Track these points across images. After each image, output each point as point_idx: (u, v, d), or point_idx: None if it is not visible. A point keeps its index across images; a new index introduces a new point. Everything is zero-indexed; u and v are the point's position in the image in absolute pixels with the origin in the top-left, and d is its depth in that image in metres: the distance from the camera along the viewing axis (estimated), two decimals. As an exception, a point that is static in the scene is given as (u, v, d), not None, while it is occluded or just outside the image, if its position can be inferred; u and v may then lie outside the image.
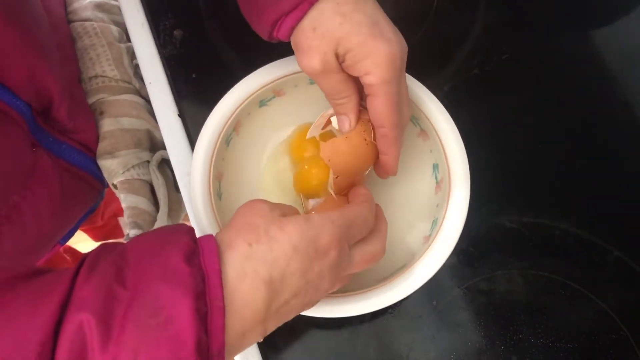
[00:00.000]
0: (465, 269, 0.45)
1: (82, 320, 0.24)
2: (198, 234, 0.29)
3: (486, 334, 0.44)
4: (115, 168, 0.47)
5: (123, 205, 0.48)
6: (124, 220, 0.49)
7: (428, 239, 0.40)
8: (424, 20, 0.53)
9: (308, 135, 0.40)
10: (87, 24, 0.50)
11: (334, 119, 0.38)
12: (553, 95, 0.52)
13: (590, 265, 0.46)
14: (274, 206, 0.31)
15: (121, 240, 0.72)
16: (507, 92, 0.51)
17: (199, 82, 0.50)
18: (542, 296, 0.45)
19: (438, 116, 0.40)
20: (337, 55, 0.33)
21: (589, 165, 0.49)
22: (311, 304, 0.31)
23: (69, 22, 0.51)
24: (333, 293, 0.36)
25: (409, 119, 0.37)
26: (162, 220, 0.50)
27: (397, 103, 0.33)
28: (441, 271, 0.37)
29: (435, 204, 0.41)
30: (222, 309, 0.26)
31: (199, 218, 0.39)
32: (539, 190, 0.48)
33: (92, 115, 0.48)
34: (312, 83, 0.42)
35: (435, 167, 0.42)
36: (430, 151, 0.42)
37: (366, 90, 0.33)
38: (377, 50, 0.31)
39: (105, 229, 0.76)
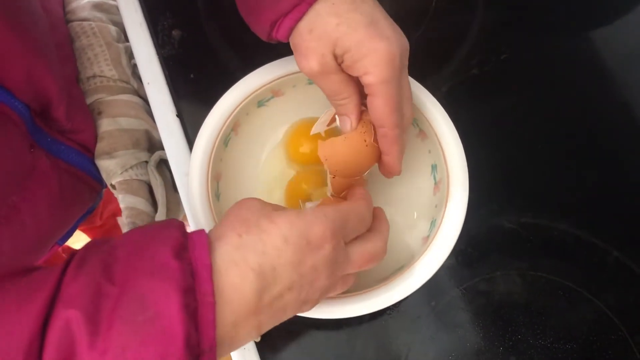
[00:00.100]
0: (464, 270, 0.45)
1: (69, 317, 0.23)
2: None
3: (485, 335, 0.44)
4: (113, 168, 0.47)
5: (121, 205, 0.48)
6: (122, 221, 0.49)
7: (427, 240, 0.39)
8: (423, 20, 0.53)
9: (313, 132, 0.39)
10: (85, 23, 0.50)
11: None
12: (552, 95, 0.52)
13: (589, 266, 0.46)
14: (267, 203, 0.31)
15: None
16: (506, 92, 0.51)
17: (197, 82, 0.50)
18: (541, 297, 0.44)
19: (437, 117, 0.40)
20: (335, 56, 0.33)
21: (588, 166, 0.49)
22: (309, 302, 0.30)
23: (67, 21, 0.51)
24: (333, 294, 0.36)
25: (411, 118, 0.36)
26: (160, 221, 0.50)
27: (398, 102, 0.33)
28: (440, 272, 0.37)
29: (434, 205, 0.41)
30: (213, 304, 0.25)
31: (197, 219, 0.38)
32: (538, 190, 0.48)
33: (90, 115, 0.48)
34: (310, 83, 0.42)
35: (434, 167, 0.42)
36: (429, 152, 0.42)
37: (366, 90, 0.33)
38: (375, 49, 0.31)
39: (104, 229, 0.76)
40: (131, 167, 0.48)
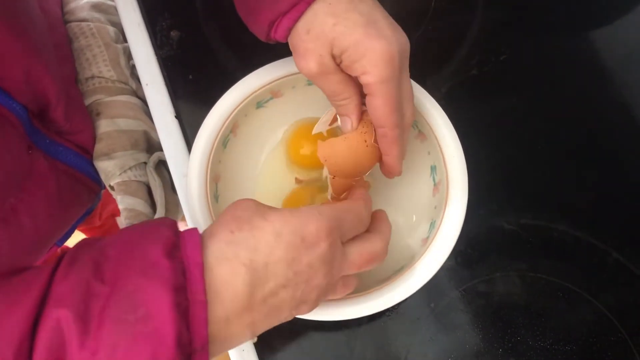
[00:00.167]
0: (463, 271, 0.45)
1: (60, 316, 0.23)
2: None
3: (484, 336, 0.44)
4: (112, 169, 0.47)
5: (120, 207, 0.48)
6: (121, 221, 0.49)
7: (426, 241, 0.39)
8: (422, 21, 0.53)
9: (314, 131, 0.39)
10: (84, 24, 0.50)
11: None
12: (552, 95, 0.52)
13: (588, 267, 0.45)
14: (262, 203, 0.31)
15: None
16: (506, 92, 0.51)
17: (196, 83, 0.49)
18: (540, 298, 0.44)
19: (436, 117, 0.40)
20: (334, 57, 0.32)
21: (587, 166, 0.49)
22: (307, 303, 0.30)
23: (66, 22, 0.51)
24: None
25: (412, 118, 0.36)
26: (159, 222, 0.50)
27: (397, 102, 0.33)
28: (439, 273, 0.37)
29: (433, 206, 0.41)
30: (204, 303, 0.25)
31: (196, 220, 0.38)
32: (538, 191, 0.48)
33: (88, 116, 0.48)
34: (309, 84, 0.42)
35: (433, 168, 0.42)
36: (428, 153, 0.42)
37: (364, 90, 0.33)
38: (373, 49, 0.31)
39: (103, 229, 0.75)
40: (130, 168, 0.48)
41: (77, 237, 0.70)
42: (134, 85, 0.51)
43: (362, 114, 0.36)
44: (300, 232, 0.28)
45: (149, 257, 0.25)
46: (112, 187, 0.48)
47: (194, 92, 0.49)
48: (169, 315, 0.24)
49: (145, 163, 0.50)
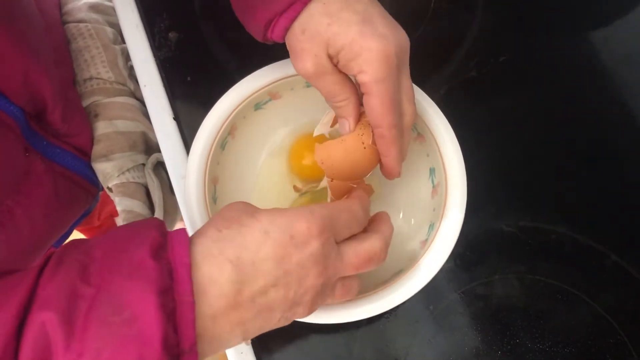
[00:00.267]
0: (462, 274, 0.45)
1: (45, 319, 0.23)
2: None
3: (483, 339, 0.44)
4: (110, 171, 0.47)
5: (118, 208, 0.48)
6: (119, 223, 0.49)
7: (425, 244, 0.39)
8: (421, 22, 0.53)
9: (315, 133, 0.39)
10: (82, 25, 0.50)
11: None
12: (551, 97, 0.51)
13: (587, 269, 0.45)
14: (252, 205, 0.30)
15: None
16: (505, 94, 0.51)
17: (194, 85, 0.49)
18: (539, 300, 0.44)
19: (435, 119, 0.40)
20: (330, 57, 0.32)
21: (586, 169, 0.49)
22: (302, 305, 0.29)
23: (64, 23, 0.51)
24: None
25: (412, 118, 0.35)
26: (157, 223, 0.50)
27: (394, 102, 0.32)
28: (438, 275, 0.37)
29: (432, 208, 0.41)
30: (192, 304, 0.25)
31: (194, 222, 0.38)
32: (537, 193, 0.48)
33: (86, 118, 0.48)
34: (308, 86, 0.42)
35: (432, 171, 0.42)
36: (427, 155, 0.42)
37: (361, 90, 0.33)
38: (369, 47, 0.30)
39: (102, 229, 0.75)
40: (128, 170, 0.48)
41: (75, 237, 0.70)
42: (132, 87, 0.51)
43: (361, 115, 0.35)
44: (289, 229, 0.28)
45: (134, 259, 0.25)
46: (110, 189, 0.48)
47: (192, 93, 0.49)
48: (154, 316, 0.24)
49: (143, 164, 0.50)
